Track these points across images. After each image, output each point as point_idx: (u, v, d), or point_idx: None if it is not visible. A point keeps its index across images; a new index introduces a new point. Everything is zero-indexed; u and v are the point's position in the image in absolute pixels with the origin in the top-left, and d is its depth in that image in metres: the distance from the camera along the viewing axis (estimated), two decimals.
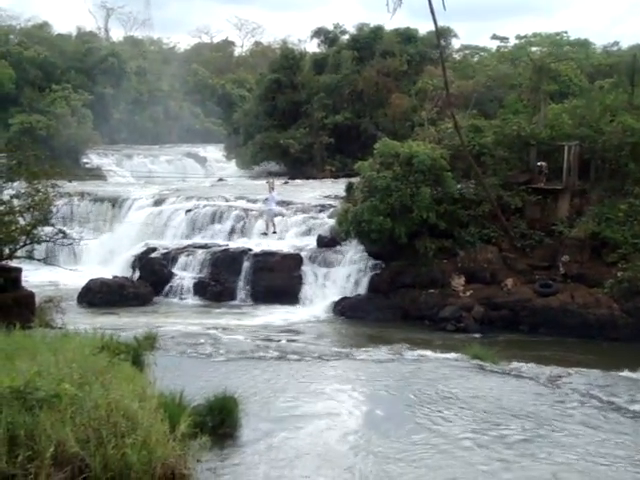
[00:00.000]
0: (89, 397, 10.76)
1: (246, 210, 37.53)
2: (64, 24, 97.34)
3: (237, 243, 35.17)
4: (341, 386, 19.02)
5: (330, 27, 66.93)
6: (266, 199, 34.46)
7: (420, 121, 44.25)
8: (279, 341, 24.91)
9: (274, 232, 33.76)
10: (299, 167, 58.27)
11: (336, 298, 31.43)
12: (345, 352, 23.24)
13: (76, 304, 30.68)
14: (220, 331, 25.78)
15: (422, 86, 53.07)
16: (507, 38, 48.34)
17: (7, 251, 22.16)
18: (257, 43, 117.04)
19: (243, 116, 67.55)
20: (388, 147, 32.12)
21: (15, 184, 23.42)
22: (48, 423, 10.01)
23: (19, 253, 22.73)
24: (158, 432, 10.71)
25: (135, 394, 11.53)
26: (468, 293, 30.17)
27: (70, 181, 38.42)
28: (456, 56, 63.85)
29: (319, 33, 67.06)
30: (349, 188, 35.42)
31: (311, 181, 51.71)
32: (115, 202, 41.36)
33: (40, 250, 25.42)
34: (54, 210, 24.25)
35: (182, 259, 34.14)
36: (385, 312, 30.22)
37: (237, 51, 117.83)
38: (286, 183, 48.97)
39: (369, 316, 29.95)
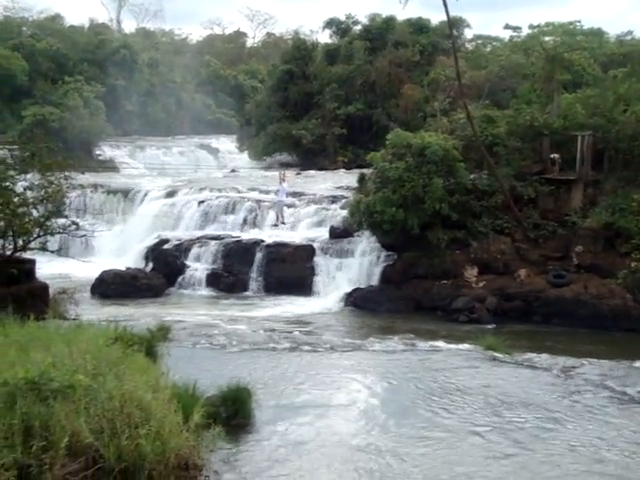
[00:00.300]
0: (103, 388, 10.80)
1: (258, 201, 37.57)
2: (76, 16, 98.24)
3: (249, 234, 35.23)
4: (353, 377, 19.02)
5: (342, 17, 66.90)
6: (277, 190, 34.48)
7: (432, 112, 44.20)
8: (291, 332, 24.94)
9: (282, 222, 33.74)
10: (311, 158, 58.25)
11: (348, 289, 31.45)
12: (357, 343, 23.24)
13: (89, 295, 30.83)
14: (233, 322, 25.85)
15: (434, 77, 52.96)
16: (520, 28, 47.98)
17: (21, 243, 22.25)
18: (269, 34, 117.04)
19: (255, 107, 67.52)
20: (400, 138, 32.06)
21: (28, 176, 23.49)
22: (62, 414, 10.07)
23: (33, 245, 22.81)
24: (172, 423, 10.75)
25: (149, 385, 11.57)
26: (481, 284, 30.14)
27: (83, 173, 38.58)
28: (469, 46, 63.62)
29: (331, 24, 66.92)
30: (361, 179, 35.40)
31: (323, 172, 51.66)
32: (128, 194, 41.50)
33: (54, 242, 25.50)
34: (67, 202, 24.36)
35: (195, 250, 34.22)
36: (397, 303, 30.22)
37: (249, 42, 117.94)
38: (298, 174, 48.94)
39: (381, 307, 29.95)
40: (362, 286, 31.50)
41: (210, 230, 36.42)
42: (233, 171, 55.15)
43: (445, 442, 14.55)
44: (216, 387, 14.71)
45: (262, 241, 34.00)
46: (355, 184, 36.76)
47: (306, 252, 33.22)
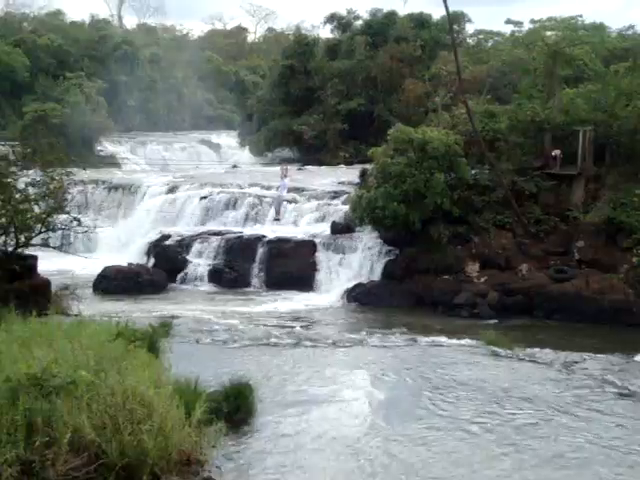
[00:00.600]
0: (105, 384, 10.83)
1: (260, 197, 37.55)
2: (77, 12, 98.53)
3: (251, 230, 35.24)
4: (355, 372, 19.06)
5: (343, 13, 66.82)
6: (279, 186, 34.51)
7: (434, 107, 44.15)
8: (293, 327, 24.99)
9: (277, 219, 33.64)
10: (313, 153, 58.21)
11: (350, 284, 31.46)
12: (359, 338, 23.28)
13: (91, 291, 30.84)
14: (234, 318, 25.90)
15: (436, 72, 52.85)
16: (521, 22, 47.96)
17: (23, 239, 22.24)
18: (270, 29, 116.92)
19: (256, 103, 67.53)
20: (402, 133, 32.04)
21: (30, 172, 23.49)
22: (65, 410, 10.10)
23: (34, 241, 22.81)
24: (174, 418, 10.78)
25: (151, 381, 11.59)
26: (482, 279, 30.15)
27: (84, 169, 38.53)
28: (470, 41, 63.59)
29: (332, 19, 66.86)
30: (363, 174, 35.41)
31: (325, 167, 51.65)
32: (129, 190, 41.50)
33: (55, 238, 25.51)
34: (69, 198, 24.33)
35: (196, 246, 34.23)
36: (399, 298, 30.24)
37: (250, 37, 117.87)
38: (300, 169, 48.94)
39: (383, 302, 29.96)
40: (364, 281, 31.50)
41: (212, 226, 36.42)
42: (234, 167, 55.13)
43: (445, 436, 14.58)
44: (218, 383, 14.75)
45: (264, 237, 34.00)
46: (357, 179, 36.77)
47: (308, 248, 33.23)
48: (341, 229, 33.88)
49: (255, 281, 32.94)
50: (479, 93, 44.04)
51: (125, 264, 33.03)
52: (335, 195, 37.41)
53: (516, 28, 50.81)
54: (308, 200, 37.06)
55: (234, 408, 14.21)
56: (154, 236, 35.52)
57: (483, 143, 31.72)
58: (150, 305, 28.39)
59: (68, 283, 25.44)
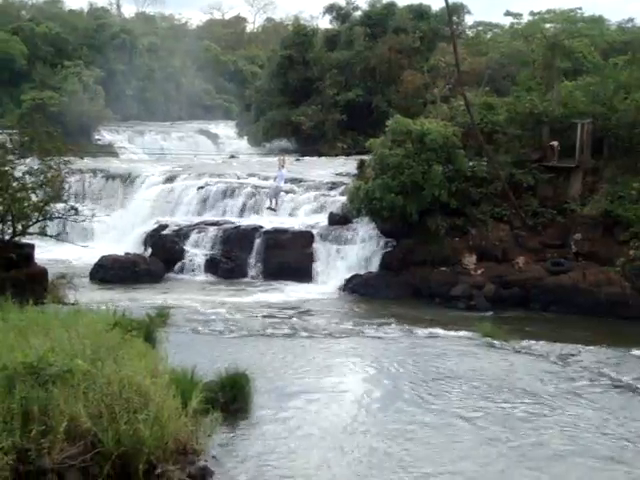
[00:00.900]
0: (102, 373, 10.86)
1: (257, 187, 37.49)
2: (75, 0, 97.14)
3: (248, 220, 35.19)
4: (351, 363, 19.11)
5: (342, 3, 66.53)
6: (276, 176, 34.42)
7: (432, 98, 44.11)
8: (290, 318, 25.03)
9: (273, 209, 33.53)
10: (311, 144, 58.10)
11: (347, 275, 31.46)
12: (356, 329, 23.34)
13: (88, 281, 30.81)
14: (231, 308, 25.92)
15: (435, 63, 52.75)
16: (521, 14, 47.69)
17: (20, 227, 22.27)
18: (269, 19, 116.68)
19: (255, 93, 67.36)
20: (400, 124, 31.99)
21: (28, 160, 23.48)
22: (61, 398, 10.12)
23: (32, 230, 22.84)
24: (170, 408, 10.81)
25: (147, 370, 11.62)
26: (479, 271, 30.17)
27: (82, 158, 38.51)
28: (469, 32, 63.40)
29: (331, 9, 66.67)
30: (361, 165, 35.36)
31: (323, 158, 51.61)
32: (127, 179, 41.43)
33: (53, 227, 25.52)
34: (66, 187, 24.34)
35: (194, 236, 34.20)
36: (396, 290, 30.25)
37: (249, 27, 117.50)
38: (298, 160, 48.88)
39: (380, 294, 29.98)
40: (361, 272, 31.50)
41: (209, 216, 36.36)
42: (232, 157, 55.06)
43: (438, 427, 14.65)
44: (214, 372, 14.78)
45: (261, 227, 33.97)
46: (354, 170, 36.70)
47: (305, 238, 33.21)
48: (338, 220, 33.87)
49: (252, 271, 32.93)
50: (477, 85, 43.97)
51: (122, 253, 33.00)
52: (333, 186, 37.36)
53: (515, 20, 50.61)
54: (306, 191, 37.01)
55: (230, 398, 14.27)
56: (151, 226, 35.47)
57: (481, 135, 31.69)
58: (147, 295, 28.39)
59: (65, 272, 25.46)
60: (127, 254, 33.07)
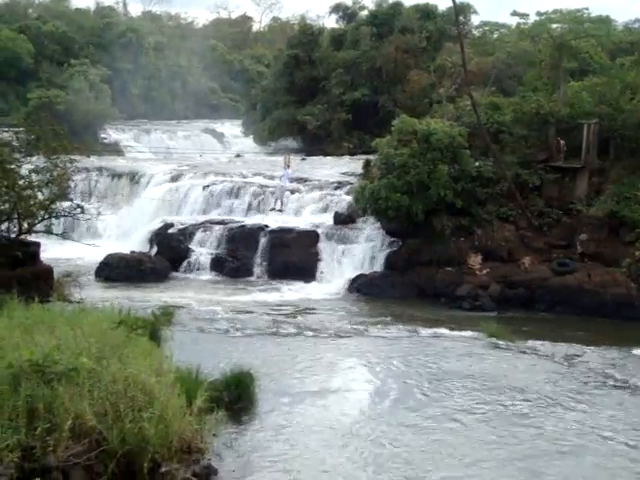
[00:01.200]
0: (107, 371, 10.87)
1: (263, 186, 37.52)
2: None
3: (254, 219, 35.21)
4: (355, 362, 19.11)
5: (349, 3, 66.69)
6: (282, 175, 34.46)
7: (438, 98, 44.00)
8: (295, 317, 25.04)
9: (280, 210, 33.56)
10: (316, 143, 58.12)
11: (352, 275, 31.45)
12: (360, 329, 23.32)
13: (94, 279, 30.87)
14: (236, 307, 25.92)
15: (441, 63, 52.66)
16: (527, 14, 47.63)
17: (26, 225, 22.29)
18: (275, 19, 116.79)
19: (261, 92, 67.42)
20: (406, 124, 31.96)
21: (34, 159, 23.50)
22: (66, 396, 10.13)
23: (38, 228, 22.86)
24: (175, 406, 10.82)
25: (152, 369, 11.63)
26: (485, 271, 30.13)
27: (88, 156, 38.48)
28: (475, 32, 63.31)
29: (338, 9, 66.71)
30: (366, 165, 35.33)
31: (328, 158, 51.60)
32: (133, 177, 41.47)
33: (58, 225, 25.56)
34: (72, 185, 24.37)
35: (199, 235, 34.24)
36: (401, 289, 30.24)
37: (255, 27, 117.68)
38: (303, 159, 48.88)
39: (385, 293, 29.97)
40: (366, 272, 31.49)
41: (214, 215, 36.41)
42: (238, 156, 55.08)
43: (443, 427, 14.64)
44: (219, 371, 14.79)
45: (266, 226, 33.99)
46: (360, 170, 36.67)
47: (310, 238, 33.22)
48: (344, 220, 33.87)
49: (257, 270, 32.94)
50: (484, 85, 43.88)
51: (128, 252, 33.05)
52: (338, 185, 37.36)
53: (522, 20, 50.53)
54: (311, 190, 37.01)
55: (235, 397, 14.28)
56: (157, 224, 35.51)
57: (487, 135, 31.64)
58: (152, 293, 28.42)
59: (70, 270, 25.48)
60: (133, 252, 33.12)
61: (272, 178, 38.12)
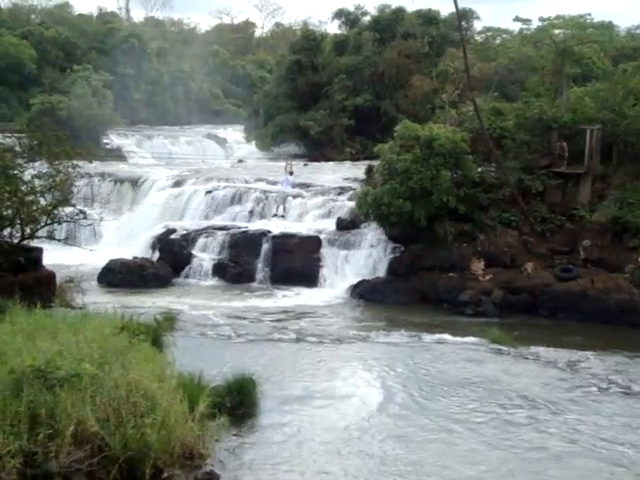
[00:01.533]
0: (109, 377, 10.85)
1: (265, 192, 37.51)
2: (85, 4, 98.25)
3: (256, 225, 35.19)
4: (358, 368, 19.08)
5: (351, 8, 66.71)
6: (283, 181, 34.49)
7: (441, 104, 44.11)
8: (297, 323, 25.02)
9: (282, 216, 33.52)
10: (319, 149, 58.15)
11: (355, 281, 31.42)
12: (363, 335, 23.29)
13: (96, 284, 30.84)
14: (239, 313, 25.91)
15: (443, 68, 52.74)
16: (530, 20, 47.66)
17: (28, 231, 22.28)
18: (278, 24, 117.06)
19: (263, 97, 67.46)
20: (408, 129, 31.96)
21: (36, 164, 23.51)
22: (69, 402, 10.12)
23: (40, 233, 22.86)
24: (177, 412, 10.81)
25: (154, 374, 11.62)
26: (487, 277, 30.08)
27: (91, 162, 38.56)
28: (478, 38, 63.32)
29: (340, 14, 66.78)
30: (369, 171, 35.32)
31: (331, 163, 51.61)
32: (135, 183, 41.48)
33: (61, 230, 25.54)
34: (75, 190, 24.35)
35: (201, 240, 34.21)
36: (404, 295, 30.20)
37: (258, 32, 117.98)
38: (306, 165, 48.90)
39: (387, 299, 29.94)
40: (368, 278, 31.44)
41: (217, 220, 36.37)
42: (240, 161, 55.10)
43: (445, 432, 14.60)
44: (221, 377, 14.77)
45: (269, 232, 33.96)
46: (362, 176, 36.66)
47: (313, 243, 33.19)
48: (346, 225, 33.84)
49: (260, 276, 32.91)
50: (486, 90, 43.92)
51: (130, 257, 33.03)
52: (341, 191, 37.34)
53: (524, 26, 50.54)
54: (314, 196, 36.99)
55: (237, 402, 14.26)
56: (159, 230, 35.47)
57: (490, 141, 31.62)
58: (154, 299, 28.41)
59: (73, 276, 25.47)
60: (135, 258, 33.08)
61: (275, 184, 38.14)
